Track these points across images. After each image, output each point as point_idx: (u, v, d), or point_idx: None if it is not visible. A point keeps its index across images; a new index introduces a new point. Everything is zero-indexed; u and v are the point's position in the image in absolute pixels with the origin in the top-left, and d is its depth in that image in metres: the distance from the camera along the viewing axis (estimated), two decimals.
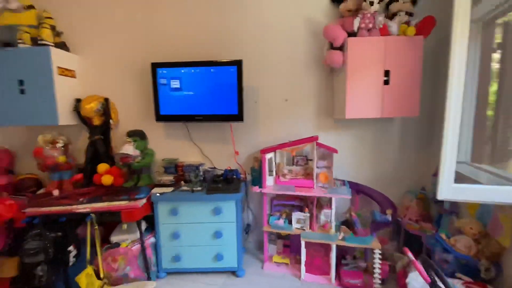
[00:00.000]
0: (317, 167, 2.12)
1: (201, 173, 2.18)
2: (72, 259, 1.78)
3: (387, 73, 1.83)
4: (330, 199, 1.93)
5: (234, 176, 2.14)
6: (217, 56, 2.15)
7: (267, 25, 2.18)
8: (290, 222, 2.07)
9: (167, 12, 2.20)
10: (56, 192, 2.01)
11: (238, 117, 2.09)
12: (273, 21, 2.17)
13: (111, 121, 2.25)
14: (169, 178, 2.14)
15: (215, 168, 2.30)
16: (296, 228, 2.06)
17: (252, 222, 2.41)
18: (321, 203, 2.14)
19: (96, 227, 1.79)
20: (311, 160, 2.17)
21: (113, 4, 2.22)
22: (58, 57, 2.02)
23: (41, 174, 2.30)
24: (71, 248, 1.77)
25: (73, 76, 2.20)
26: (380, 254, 1.74)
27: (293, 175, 2.21)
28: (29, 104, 2.00)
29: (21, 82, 1.98)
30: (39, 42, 1.97)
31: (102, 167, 2.11)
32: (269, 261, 2.19)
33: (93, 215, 1.77)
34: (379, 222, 1.84)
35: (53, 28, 2.08)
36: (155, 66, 2.08)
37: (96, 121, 2.16)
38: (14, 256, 1.81)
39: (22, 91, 1.99)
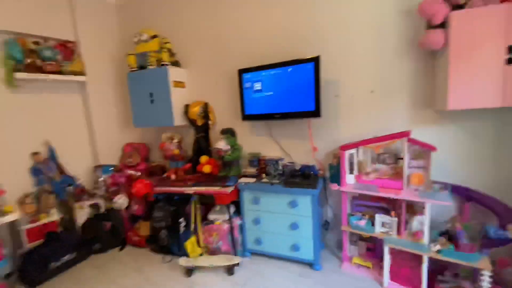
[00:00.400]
0: (409, 167, 1.88)
1: (280, 167, 2.33)
2: (182, 229, 2.31)
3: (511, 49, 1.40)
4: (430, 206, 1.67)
5: (311, 172, 2.18)
6: (296, 55, 2.22)
7: (347, 15, 2.06)
8: (373, 224, 1.93)
9: (248, 22, 2.44)
10: (173, 177, 2.63)
11: (315, 113, 2.10)
12: (353, 9, 2.03)
13: (209, 121, 2.72)
14: (252, 170, 2.40)
15: (293, 163, 2.39)
16: (381, 231, 1.90)
17: (331, 219, 2.37)
18: (415, 209, 1.89)
19: (198, 206, 2.25)
20: (401, 158, 1.93)
21: (207, 25, 2.64)
22: (173, 73, 2.62)
23: (164, 162, 3.04)
24: (181, 220, 2.30)
25: (183, 87, 2.78)
26: (491, 277, 1.39)
27: (378, 174, 2.03)
28: (156, 110, 2.69)
29: (151, 94, 2.68)
30: (161, 63, 2.61)
31: (203, 159, 2.60)
32: (348, 261, 2.11)
33: (195, 196, 2.23)
34: (493, 239, 1.46)
35: (169, 50, 2.70)
36: (241, 72, 2.36)
37: (199, 122, 2.67)
38: (148, 220, 2.52)
39: (152, 101, 2.69)
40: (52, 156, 2.65)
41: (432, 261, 1.72)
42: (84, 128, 2.99)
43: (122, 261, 2.42)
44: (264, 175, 2.35)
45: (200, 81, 2.80)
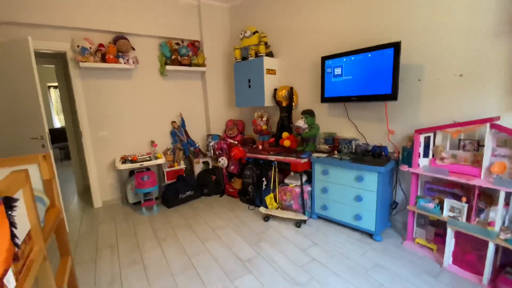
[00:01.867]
0: (494, 155, 1.80)
1: (352, 147, 2.57)
2: (264, 186, 2.94)
3: None
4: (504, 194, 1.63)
5: (382, 152, 2.33)
6: (377, 42, 2.34)
7: None
8: (442, 209, 1.97)
9: (331, 12, 2.67)
10: (260, 147, 3.28)
11: (391, 96, 2.21)
12: None
13: (293, 103, 3.18)
14: (326, 147, 2.73)
15: (367, 144, 2.57)
16: (449, 216, 1.93)
17: (402, 202, 2.45)
18: (494, 199, 1.82)
19: (277, 170, 2.81)
20: (483, 146, 1.85)
21: (296, 20, 3.02)
22: (266, 62, 3.19)
23: (255, 136, 3.75)
24: (264, 180, 2.93)
25: (274, 73, 3.32)
26: None
27: (455, 160, 2.01)
28: (252, 93, 3.36)
29: (249, 81, 3.36)
30: (258, 54, 3.22)
31: (285, 134, 3.11)
32: (411, 241, 2.21)
33: (275, 162, 2.79)
34: None
35: (265, 43, 3.27)
36: (324, 59, 2.67)
37: (284, 103, 3.17)
38: (240, 178, 3.28)
39: (249, 86, 3.38)
40: (182, 125, 3.78)
41: (506, 253, 1.67)
42: (202, 106, 4.03)
43: (221, 203, 3.30)
44: (336, 152, 2.65)
45: (287, 68, 3.27)
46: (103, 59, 3.02)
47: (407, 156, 2.21)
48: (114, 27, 3.13)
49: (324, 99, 2.76)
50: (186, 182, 3.39)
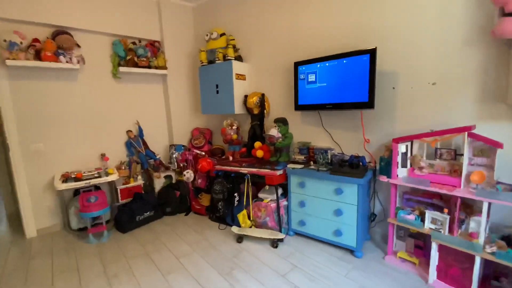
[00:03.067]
0: (470, 164, 1.77)
1: (328, 156, 2.43)
2: (235, 202, 2.65)
3: None
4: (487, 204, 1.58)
5: (360, 163, 2.22)
6: (352, 47, 2.26)
7: (410, 5, 2.00)
8: (423, 220, 1.89)
9: (306, 16, 2.56)
10: (230, 158, 2.99)
11: (368, 104, 2.13)
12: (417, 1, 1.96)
13: (265, 111, 2.97)
14: (301, 157, 2.56)
15: (343, 153, 2.46)
16: (430, 228, 1.85)
17: (380, 213, 2.36)
18: (474, 209, 1.78)
19: (250, 184, 2.55)
20: (461, 155, 1.82)
21: (267, 23, 2.86)
22: (236, 66, 2.95)
23: (224, 146, 3.45)
24: (236, 195, 2.64)
25: (244, 79, 3.10)
26: None
27: (433, 169, 1.96)
28: (220, 100, 3.08)
29: (217, 86, 3.08)
30: (226, 58, 2.97)
31: (257, 144, 2.88)
32: (393, 255, 2.11)
33: (249, 175, 2.53)
34: None
35: (234, 46, 3.04)
36: (297, 64, 2.52)
37: (255, 111, 2.95)
38: (208, 193, 2.95)
39: (217, 92, 3.09)
40: (140, 134, 3.33)
41: (487, 264, 1.62)
42: (163, 113, 3.62)
43: (186, 223, 2.92)
44: (312, 162, 2.49)
45: (258, 74, 3.07)
46: (38, 57, 2.49)
47: (385, 166, 2.13)
48: (53, 19, 2.62)
49: (297, 107, 2.60)
50: (145, 200, 2.94)
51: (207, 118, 3.83)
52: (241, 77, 3.03)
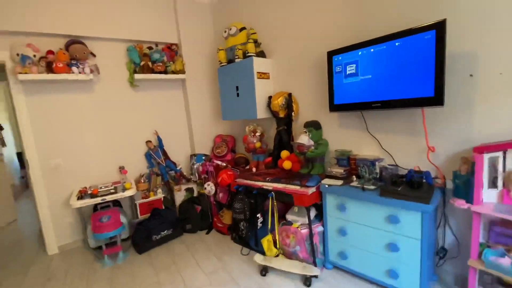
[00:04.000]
0: None
1: (377, 170, 1.88)
2: (259, 224, 2.24)
3: None
4: None
5: (423, 180, 1.63)
6: (406, 24, 1.68)
7: None
8: None
9: None
10: (254, 170, 2.59)
11: (435, 100, 1.53)
12: None
13: (293, 114, 2.51)
14: (340, 170, 2.04)
15: (396, 166, 1.88)
16: None
17: (452, 246, 1.74)
18: None
19: (275, 203, 2.11)
20: None
21: (290, 8, 2.39)
22: (257, 63, 2.54)
23: (248, 154, 3.07)
24: (258, 215, 2.23)
25: (267, 78, 2.67)
26: None
27: None
28: (241, 103, 2.70)
29: (237, 88, 2.71)
30: (247, 55, 2.57)
31: (284, 153, 2.43)
32: None
33: (273, 193, 2.09)
34: None
35: (255, 41, 2.63)
36: (331, 54, 2.02)
37: (281, 114, 2.50)
38: (230, 209, 2.58)
39: (237, 94, 2.72)
40: (159, 144, 3.12)
41: None
42: (184, 120, 3.37)
43: (206, 243, 2.59)
44: (354, 177, 1.96)
45: (284, 70, 2.62)
46: (50, 69, 2.38)
47: (463, 186, 1.52)
48: (65, 29, 2.52)
49: (333, 107, 2.09)
50: (163, 218, 2.68)
51: (230, 124, 3.49)
52: (264, 75, 2.61)
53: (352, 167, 2.06)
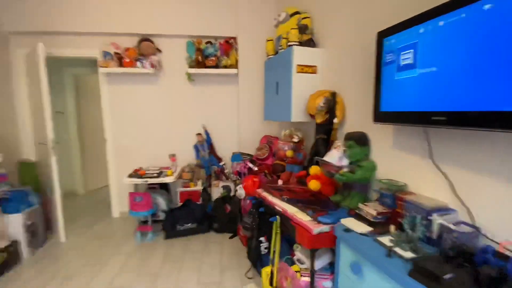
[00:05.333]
0: None
1: (433, 228, 1.12)
2: (263, 250, 1.86)
3: None
4: None
5: (506, 273, 0.81)
6: None
7: None
8: None
9: None
10: (280, 182, 2.18)
11: None
12: None
13: (335, 119, 1.91)
14: (373, 211, 1.36)
15: (474, 227, 1.05)
16: None
17: None
18: None
19: (278, 231, 1.67)
20: None
21: None
22: (299, 54, 2.06)
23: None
24: (262, 239, 1.84)
25: (313, 72, 2.14)
26: None
27: None
28: (279, 102, 2.31)
29: (277, 84, 2.33)
30: (288, 44, 2.15)
31: (313, 169, 1.90)
32: None
33: (277, 217, 1.66)
34: None
35: (303, 28, 2.14)
36: (381, 36, 1.34)
37: (319, 119, 1.95)
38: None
39: (277, 92, 2.34)
40: (207, 138, 3.16)
41: None
42: (234, 117, 3.29)
43: (222, 250, 2.43)
44: (392, 228, 1.25)
45: (335, 63, 2.02)
46: (121, 64, 2.80)
47: None
48: (139, 29, 2.89)
49: (379, 116, 1.41)
50: (190, 211, 2.72)
51: (280, 125, 3.12)
52: (307, 69, 2.11)
53: (397, 210, 1.33)
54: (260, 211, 1.91)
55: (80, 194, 4.05)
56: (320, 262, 1.49)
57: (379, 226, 1.29)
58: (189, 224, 2.67)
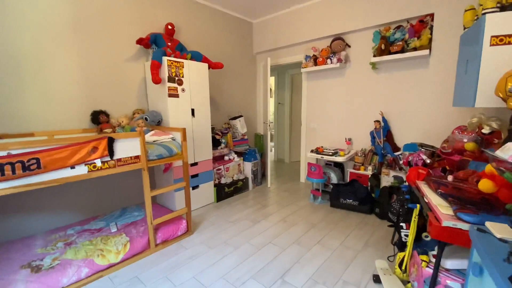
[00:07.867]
0: None
1: None
2: (404, 237, 1.83)
3: None
4: None
5: None
6: None
7: None
8: None
9: None
10: (450, 178, 1.89)
11: None
12: None
13: None
14: None
15: None
16: None
17: None
18: None
19: (416, 219, 1.61)
20: None
21: None
22: (497, 23, 1.62)
23: None
24: (403, 225, 1.82)
25: None
26: None
27: None
28: (466, 84, 1.92)
29: (466, 62, 1.94)
30: (482, 12, 1.72)
31: (488, 168, 1.52)
32: None
33: (417, 205, 1.61)
34: None
35: None
36: None
37: (511, 104, 1.48)
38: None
39: (465, 71, 1.95)
40: (384, 125, 3.19)
41: None
42: (418, 102, 2.98)
43: (375, 231, 2.54)
44: None
45: None
46: (315, 63, 3.57)
47: None
48: (332, 31, 3.47)
49: None
50: (354, 189, 3.00)
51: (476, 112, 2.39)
52: (506, 39, 1.60)
53: None
54: (406, 198, 1.86)
55: (286, 162, 5.61)
56: (455, 263, 1.33)
57: None
58: (351, 200, 3.00)
